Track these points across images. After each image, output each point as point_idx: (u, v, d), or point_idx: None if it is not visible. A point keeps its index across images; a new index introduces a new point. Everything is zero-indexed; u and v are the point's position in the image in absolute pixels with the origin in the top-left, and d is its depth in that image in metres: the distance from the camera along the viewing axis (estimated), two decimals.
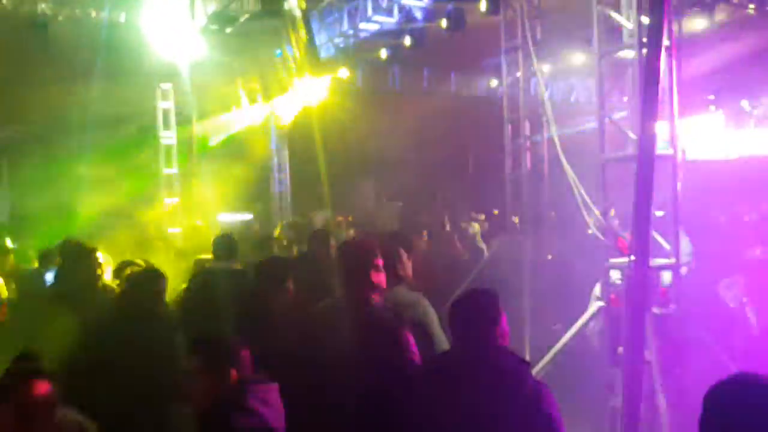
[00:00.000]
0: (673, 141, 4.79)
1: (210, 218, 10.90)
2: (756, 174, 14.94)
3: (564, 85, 13.03)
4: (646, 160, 3.68)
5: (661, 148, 4.64)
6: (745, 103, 15.81)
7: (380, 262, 3.25)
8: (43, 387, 2.50)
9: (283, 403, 2.82)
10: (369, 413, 2.83)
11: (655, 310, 4.33)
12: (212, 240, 5.00)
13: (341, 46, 10.43)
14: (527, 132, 7.08)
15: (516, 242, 6.84)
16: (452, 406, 2.59)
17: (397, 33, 9.84)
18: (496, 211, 9.76)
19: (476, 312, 2.79)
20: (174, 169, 11.80)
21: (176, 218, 10.35)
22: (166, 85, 11.74)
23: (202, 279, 4.55)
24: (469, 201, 13.68)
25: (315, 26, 10.16)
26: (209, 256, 5.08)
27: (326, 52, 10.45)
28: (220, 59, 10.09)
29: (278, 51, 10.99)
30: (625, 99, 5.30)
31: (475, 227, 7.99)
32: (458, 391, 2.61)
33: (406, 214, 11.33)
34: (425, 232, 8.74)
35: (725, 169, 15.83)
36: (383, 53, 10.34)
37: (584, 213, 4.85)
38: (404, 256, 4.03)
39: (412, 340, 3.06)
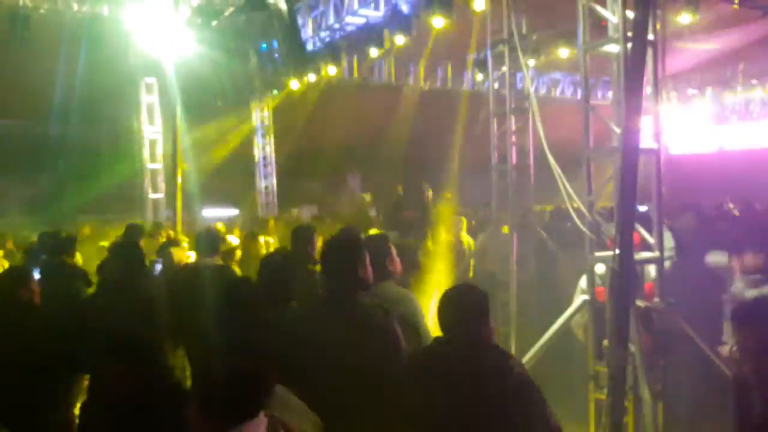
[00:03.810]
0: (657, 135, 4.81)
1: (193, 213, 10.83)
2: (738, 167, 15.17)
3: (549, 79, 13.07)
4: (630, 154, 3.70)
5: (646, 142, 4.66)
6: (728, 98, 15.97)
7: (368, 257, 3.25)
8: None
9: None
10: (360, 407, 2.83)
11: (640, 303, 4.37)
12: (195, 235, 4.97)
13: (327, 40, 10.36)
14: (513, 126, 7.09)
15: (502, 236, 6.86)
16: (439, 399, 2.61)
17: (383, 26, 9.80)
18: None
19: (465, 307, 2.81)
20: (158, 164, 11.72)
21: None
22: (150, 79, 11.65)
23: (185, 275, 4.51)
24: (457, 195, 13.69)
25: (300, 20, 10.10)
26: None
27: (312, 46, 10.38)
28: (205, 53, 10.02)
29: (264, 45, 10.91)
30: (610, 93, 5.31)
31: (461, 221, 8.00)
32: (444, 384, 2.62)
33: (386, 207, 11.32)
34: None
35: (707, 162, 16.03)
36: (370, 47, 10.29)
37: (569, 207, 4.87)
38: (393, 251, 4.04)
39: (400, 333, 3.07)
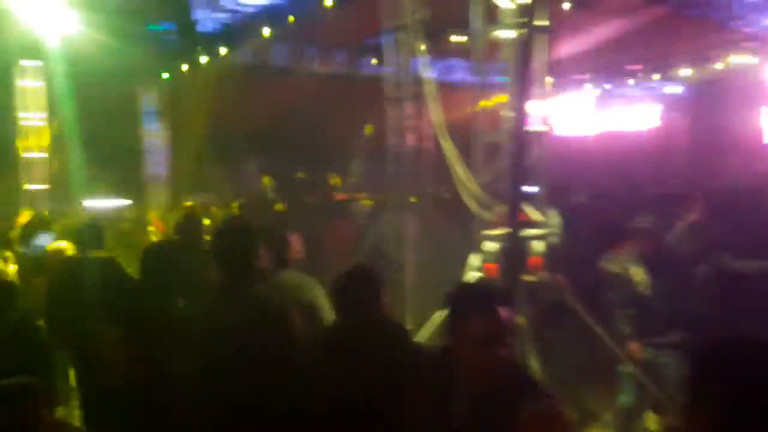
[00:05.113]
0: (545, 119, 5.02)
1: (78, 205, 10.23)
2: (618, 148, 16.27)
3: (445, 65, 13.29)
4: (519, 136, 3.86)
5: (535, 125, 4.86)
6: (609, 83, 17.00)
7: (261, 244, 3.18)
8: None
9: (170, 394, 2.73)
10: (258, 397, 2.78)
11: (527, 277, 4.55)
12: (78, 228, 4.69)
13: (222, 21, 10.05)
14: (410, 111, 7.16)
15: (399, 218, 6.95)
16: (340, 379, 2.61)
17: (280, 9, 9.62)
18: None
19: (358, 287, 2.85)
20: (39, 153, 10.96)
21: None
22: (30, 63, 10.85)
23: (66, 269, 4.24)
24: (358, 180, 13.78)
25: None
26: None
27: (204, 28, 10.04)
28: (90, 34, 9.44)
29: (154, 26, 10.45)
30: (502, 79, 5.46)
31: (361, 205, 8.06)
32: (345, 364, 2.63)
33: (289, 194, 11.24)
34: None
35: (590, 144, 17.07)
36: (266, 30, 10.07)
37: (462, 188, 5.00)
38: (293, 238, 4.02)
39: (297, 321, 3.04)
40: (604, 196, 9.51)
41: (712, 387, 1.47)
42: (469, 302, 2.15)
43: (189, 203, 10.37)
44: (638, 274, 4.67)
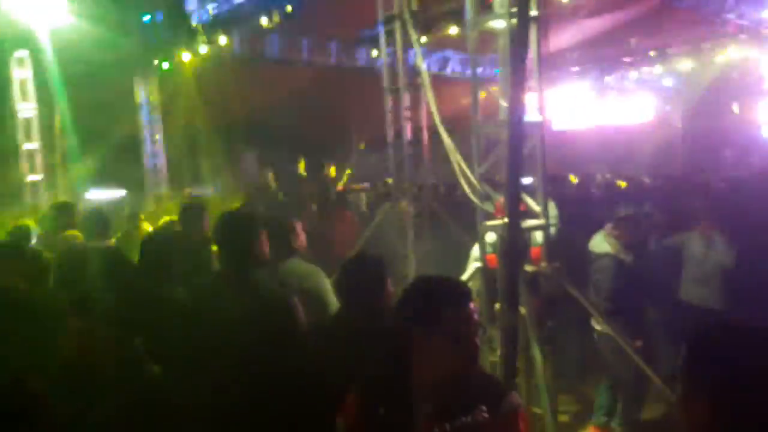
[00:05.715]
0: (541, 109, 5.02)
1: (76, 196, 10.21)
2: (614, 140, 16.29)
3: (440, 57, 13.29)
4: (515, 126, 3.86)
5: (530, 116, 4.87)
6: (606, 76, 17.01)
7: (263, 232, 3.21)
8: None
9: (177, 385, 2.77)
10: (258, 384, 2.82)
11: (528, 268, 4.60)
12: (82, 217, 4.70)
13: (215, 12, 10.02)
14: (407, 102, 7.17)
15: (400, 210, 6.98)
16: (343, 368, 2.64)
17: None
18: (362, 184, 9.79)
19: (364, 277, 2.87)
20: (34, 144, 10.92)
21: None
22: (22, 53, 10.78)
23: (71, 258, 4.26)
24: (356, 171, 13.79)
25: None
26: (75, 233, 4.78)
27: (198, 19, 10.01)
28: (83, 25, 9.39)
29: (147, 16, 10.41)
30: (497, 71, 5.46)
31: (362, 196, 8.08)
32: (348, 353, 2.65)
33: (288, 184, 11.24)
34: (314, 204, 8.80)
35: (586, 136, 17.08)
36: (261, 20, 10.03)
37: (461, 179, 5.01)
38: (298, 227, 4.05)
39: (298, 307, 3.07)
40: (603, 188, 9.58)
41: (707, 374, 1.49)
42: (442, 297, 2.10)
43: (193, 193, 10.37)
44: (620, 252, 4.99)
